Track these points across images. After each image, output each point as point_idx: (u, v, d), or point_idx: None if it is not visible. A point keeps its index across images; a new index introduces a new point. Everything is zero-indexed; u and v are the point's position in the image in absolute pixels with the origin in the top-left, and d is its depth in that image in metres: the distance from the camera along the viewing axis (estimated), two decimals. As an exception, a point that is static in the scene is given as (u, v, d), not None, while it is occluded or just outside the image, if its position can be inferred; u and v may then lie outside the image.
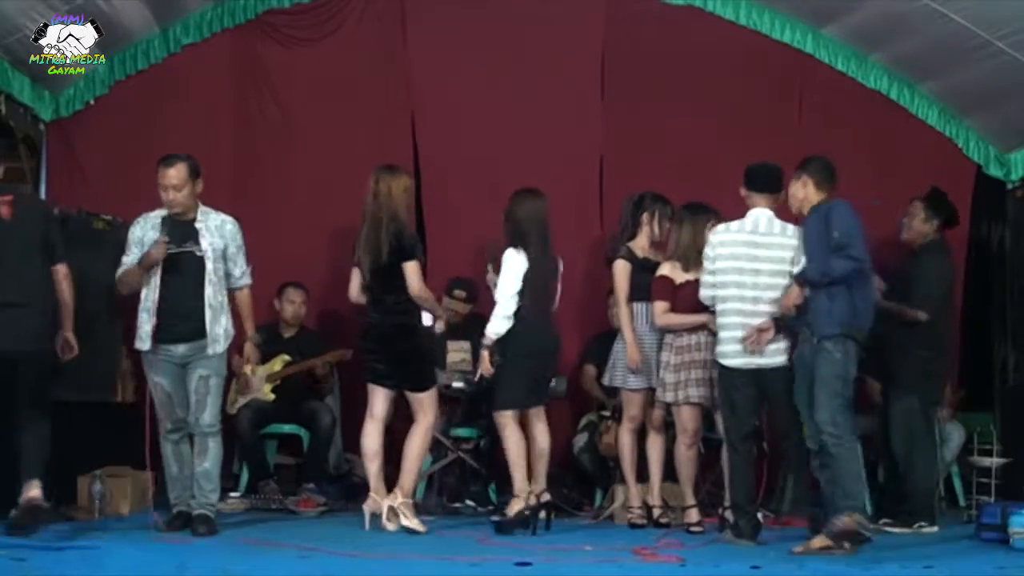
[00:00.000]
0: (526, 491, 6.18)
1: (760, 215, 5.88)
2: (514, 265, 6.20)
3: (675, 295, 6.32)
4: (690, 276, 6.30)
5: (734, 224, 5.93)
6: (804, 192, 5.76)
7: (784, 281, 5.74)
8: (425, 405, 6.09)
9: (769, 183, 5.94)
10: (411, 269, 5.96)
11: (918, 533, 6.31)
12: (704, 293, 6.01)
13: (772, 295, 5.76)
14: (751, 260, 5.81)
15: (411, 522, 5.92)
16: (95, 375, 6.64)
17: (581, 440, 7.14)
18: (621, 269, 6.52)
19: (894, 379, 6.55)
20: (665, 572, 5.03)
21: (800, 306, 5.64)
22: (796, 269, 5.73)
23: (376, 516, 6.03)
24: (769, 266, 5.80)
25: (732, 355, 5.82)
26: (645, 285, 6.47)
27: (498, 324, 6.18)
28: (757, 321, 5.74)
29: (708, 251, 5.96)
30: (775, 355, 5.79)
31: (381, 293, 6.03)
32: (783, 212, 5.99)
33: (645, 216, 6.58)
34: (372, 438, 6.16)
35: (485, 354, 6.20)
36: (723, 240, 5.89)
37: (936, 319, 6.52)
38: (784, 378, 5.78)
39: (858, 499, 5.47)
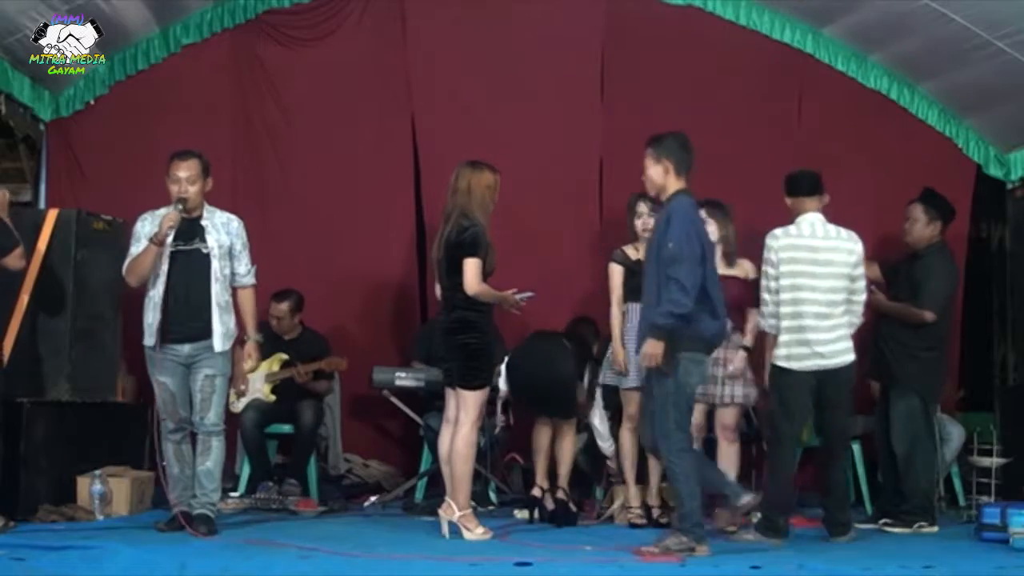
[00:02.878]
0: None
1: (814, 219, 5.97)
2: None
3: None
4: None
5: (792, 228, 5.98)
6: (664, 179, 5.53)
7: (845, 284, 5.88)
8: (468, 404, 5.79)
9: (814, 186, 6.07)
10: (467, 266, 5.73)
11: (918, 533, 6.30)
12: (764, 311, 6.00)
13: (832, 297, 5.87)
14: (811, 264, 5.89)
15: (474, 534, 5.77)
16: (95, 375, 6.64)
17: (580, 440, 7.14)
18: (612, 272, 6.59)
19: (897, 379, 6.51)
20: (665, 572, 5.03)
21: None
22: (859, 270, 5.93)
23: (453, 524, 5.84)
24: (830, 269, 5.89)
25: (794, 358, 5.88)
26: (638, 286, 6.49)
27: None
28: (820, 325, 5.83)
29: (770, 256, 5.95)
30: (839, 355, 5.88)
31: (447, 289, 5.92)
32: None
33: (629, 217, 6.64)
34: (442, 443, 5.98)
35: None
36: (783, 245, 5.93)
37: (940, 319, 6.51)
38: (845, 378, 5.92)
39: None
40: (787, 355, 5.91)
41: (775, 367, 5.96)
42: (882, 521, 6.47)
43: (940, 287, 6.52)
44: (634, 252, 6.59)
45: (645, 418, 5.69)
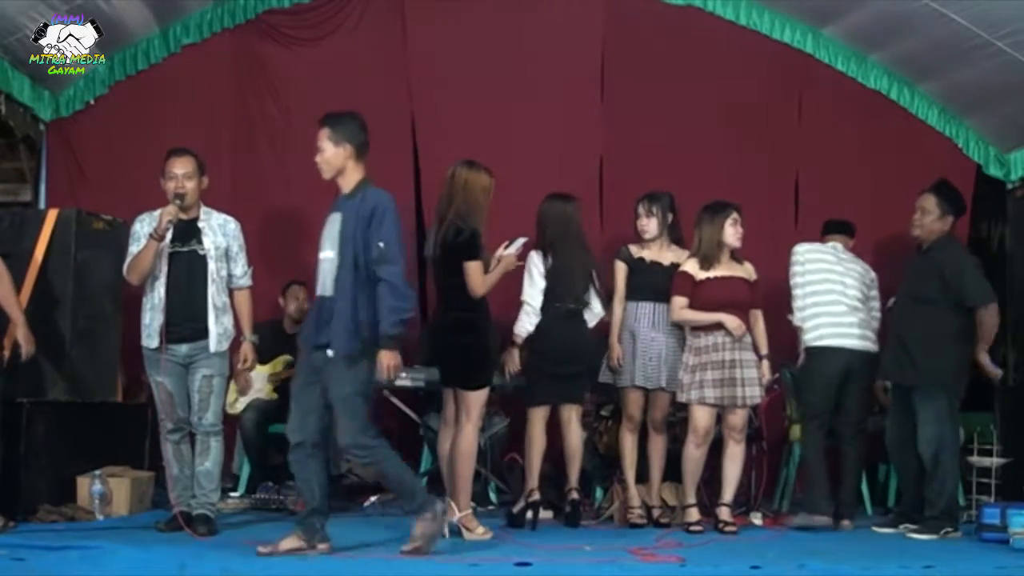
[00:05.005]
0: (530, 489, 6.30)
1: (836, 244, 6.81)
2: (535, 266, 6.36)
3: (694, 292, 6.36)
4: (710, 274, 6.35)
5: (815, 244, 6.81)
6: (344, 163, 5.24)
7: (863, 293, 6.67)
8: (469, 405, 5.81)
9: (833, 228, 6.90)
10: (469, 270, 5.75)
11: (945, 539, 6.14)
12: (794, 306, 6.66)
13: (858, 295, 6.63)
14: (837, 264, 6.70)
15: (474, 534, 5.76)
16: (95, 375, 6.64)
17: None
18: (617, 270, 6.63)
19: (924, 378, 6.32)
20: (665, 572, 5.03)
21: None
22: (874, 292, 6.74)
23: (453, 524, 5.81)
24: (850, 279, 6.69)
25: (826, 337, 6.54)
26: (640, 285, 6.54)
27: (524, 322, 6.32)
28: (856, 312, 6.57)
29: (795, 258, 6.67)
30: (860, 339, 6.55)
31: (443, 289, 5.94)
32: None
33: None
34: (442, 444, 6.01)
35: (515, 352, 6.29)
36: (810, 248, 6.75)
37: (966, 312, 6.40)
38: (867, 363, 6.54)
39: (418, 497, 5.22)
40: (819, 336, 6.55)
41: (807, 350, 6.55)
42: (903, 526, 6.40)
43: (977, 278, 6.36)
44: (637, 250, 6.62)
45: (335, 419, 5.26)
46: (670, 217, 6.63)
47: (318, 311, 5.19)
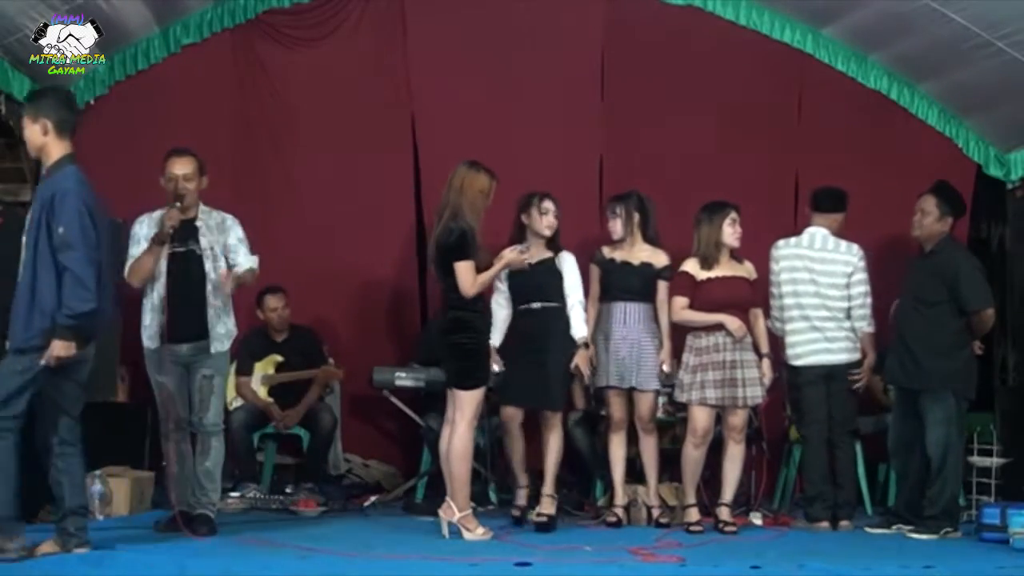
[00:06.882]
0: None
1: (815, 232, 6.59)
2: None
3: (695, 292, 6.36)
4: (711, 274, 6.35)
5: (792, 239, 6.63)
6: (44, 140, 4.92)
7: (844, 292, 6.47)
8: (463, 404, 5.79)
9: (821, 203, 6.65)
10: (460, 270, 5.74)
11: (944, 539, 6.13)
12: (771, 315, 6.61)
13: (834, 304, 6.49)
14: (807, 271, 6.51)
15: (474, 534, 5.77)
16: (95, 375, 6.59)
17: (576, 415, 7.13)
18: (591, 272, 6.65)
19: (931, 381, 6.28)
20: (665, 572, 5.04)
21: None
22: (856, 278, 6.47)
23: (453, 524, 5.84)
24: (825, 279, 6.51)
25: (801, 356, 6.49)
26: (611, 285, 6.56)
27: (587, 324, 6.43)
28: (826, 325, 6.46)
29: (772, 264, 6.58)
30: (841, 352, 6.49)
31: (442, 289, 5.96)
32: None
33: None
34: (442, 444, 5.97)
35: (587, 354, 6.32)
36: (783, 255, 6.58)
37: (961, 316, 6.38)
38: (844, 369, 6.50)
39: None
40: (796, 354, 6.53)
41: (787, 366, 6.51)
42: (896, 527, 6.39)
43: (974, 282, 6.32)
44: (610, 251, 6.63)
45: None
46: (637, 216, 6.59)
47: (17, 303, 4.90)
